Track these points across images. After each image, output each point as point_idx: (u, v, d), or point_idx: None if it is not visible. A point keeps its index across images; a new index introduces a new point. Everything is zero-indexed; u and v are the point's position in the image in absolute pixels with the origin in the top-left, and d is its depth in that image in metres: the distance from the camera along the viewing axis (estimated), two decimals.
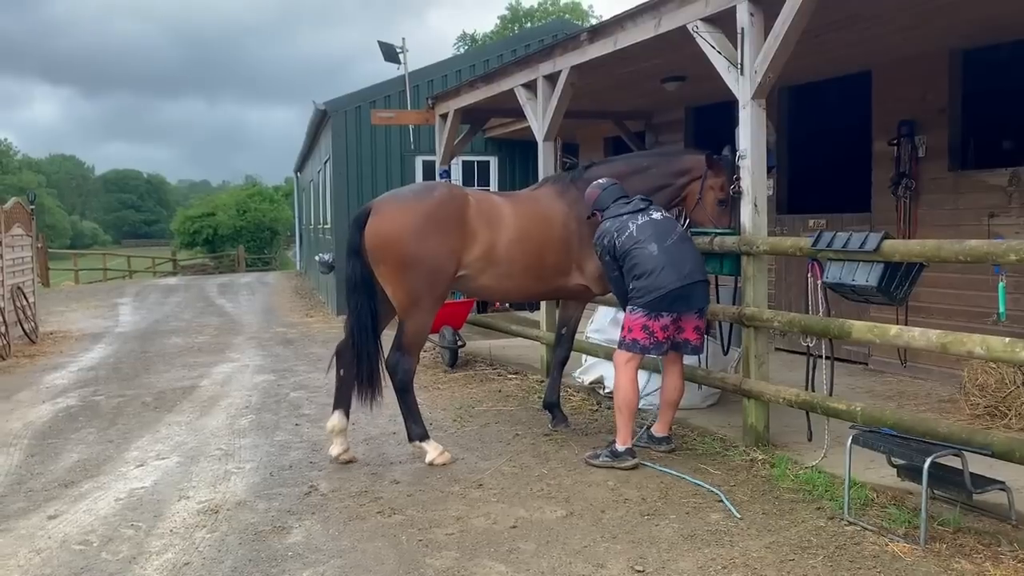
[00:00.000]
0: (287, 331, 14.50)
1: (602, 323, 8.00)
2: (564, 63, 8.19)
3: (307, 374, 10.09)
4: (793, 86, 10.26)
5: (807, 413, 5.94)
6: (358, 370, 6.22)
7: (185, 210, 53.16)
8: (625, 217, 5.89)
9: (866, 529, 4.58)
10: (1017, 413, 6.38)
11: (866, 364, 9.05)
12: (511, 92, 9.45)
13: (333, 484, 5.85)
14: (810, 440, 6.02)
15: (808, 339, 5.76)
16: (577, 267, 6.61)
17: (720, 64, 6.19)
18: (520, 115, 11.82)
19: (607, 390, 7.84)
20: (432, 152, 15.73)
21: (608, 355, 7.63)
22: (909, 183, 8.50)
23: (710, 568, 4.23)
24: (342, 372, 6.39)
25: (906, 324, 6.94)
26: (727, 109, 11.28)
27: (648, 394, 7.23)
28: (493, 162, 16.34)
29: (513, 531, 4.86)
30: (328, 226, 17.24)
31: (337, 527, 5.03)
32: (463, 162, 16.03)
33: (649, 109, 12.40)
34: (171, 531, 5.06)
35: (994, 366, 6.68)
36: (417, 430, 6.24)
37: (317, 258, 16.12)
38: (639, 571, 4.24)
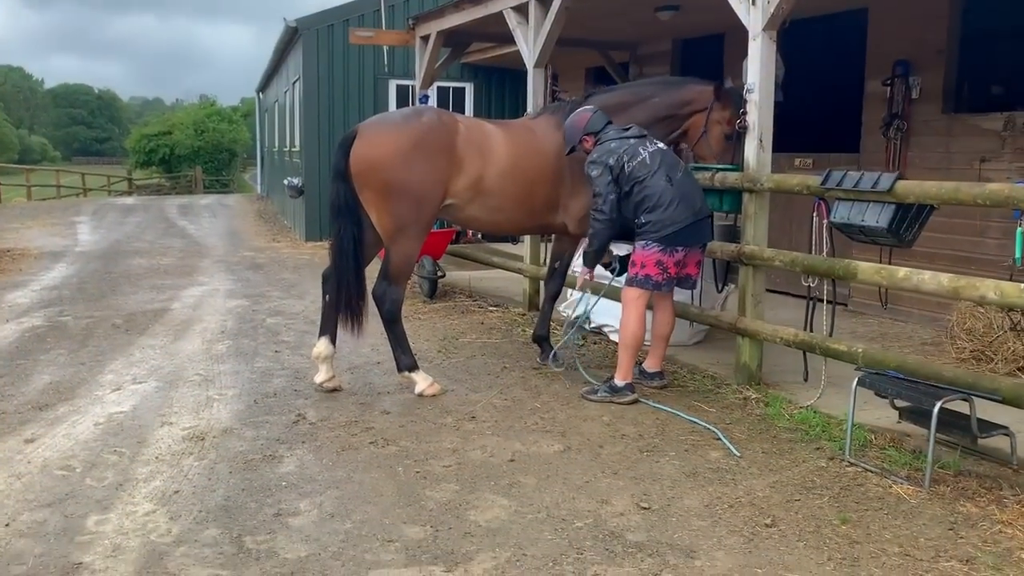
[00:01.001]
0: (255, 256, 14.19)
1: None
2: None
3: (281, 300, 9.88)
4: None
5: (804, 353, 5.91)
6: (338, 296, 6.06)
7: (141, 128, 51.47)
8: (633, 141, 5.70)
9: (868, 470, 4.58)
10: (1003, 358, 6.42)
11: (845, 305, 9.05)
12: (499, 15, 9.12)
13: (321, 413, 5.72)
14: (806, 380, 6.01)
15: (811, 279, 5.69)
16: (563, 205, 6.43)
17: None
18: (505, 40, 11.51)
19: (592, 325, 7.76)
20: (407, 76, 15.39)
21: (593, 290, 7.54)
22: (901, 125, 8.42)
23: (716, 507, 4.20)
24: (327, 297, 6.22)
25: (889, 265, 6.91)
26: (717, 42, 11.10)
27: None
28: (469, 89, 15.95)
29: (512, 464, 4.79)
30: (297, 150, 16.79)
31: (330, 457, 4.91)
32: (438, 88, 15.53)
33: (635, 40, 12.11)
34: (156, 458, 4.91)
35: (982, 311, 6.70)
36: (406, 360, 6.11)
37: (286, 182, 15.72)
38: (644, 507, 4.19)
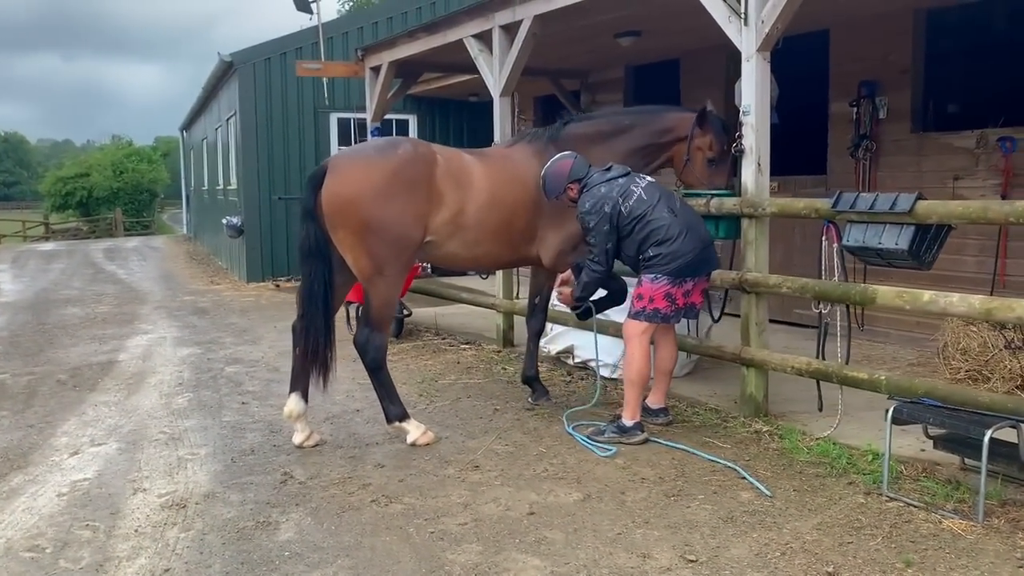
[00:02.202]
0: (196, 299, 13.54)
1: None
2: (527, 11, 7.66)
3: (236, 347, 9.34)
4: None
5: (817, 383, 5.71)
6: (305, 344, 5.63)
7: (56, 171, 49.58)
8: (622, 181, 5.46)
9: (911, 505, 4.36)
10: (1001, 376, 6.33)
11: (817, 327, 8.95)
12: (459, 44, 8.86)
13: (309, 470, 5.28)
14: (820, 410, 5.80)
15: (823, 306, 5.50)
16: (541, 237, 6.15)
17: (719, 13, 5.82)
18: (460, 70, 11.26)
19: (578, 359, 7.48)
20: (349, 109, 15.01)
21: (578, 324, 7.26)
22: (870, 145, 8.40)
23: (767, 555, 3.91)
24: (297, 350, 5.78)
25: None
26: (671, 67, 11.04)
27: (619, 361, 6.90)
28: (412, 121, 15.62)
29: (533, 518, 4.44)
30: (234, 187, 16.19)
31: (331, 520, 4.49)
32: (381, 120, 15.20)
33: (586, 67, 11.97)
34: (136, 531, 4.42)
35: (975, 330, 6.62)
36: (395, 410, 5.71)
37: (224, 222, 15.11)
38: (691, 560, 3.88)
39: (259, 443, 5.88)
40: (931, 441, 4.64)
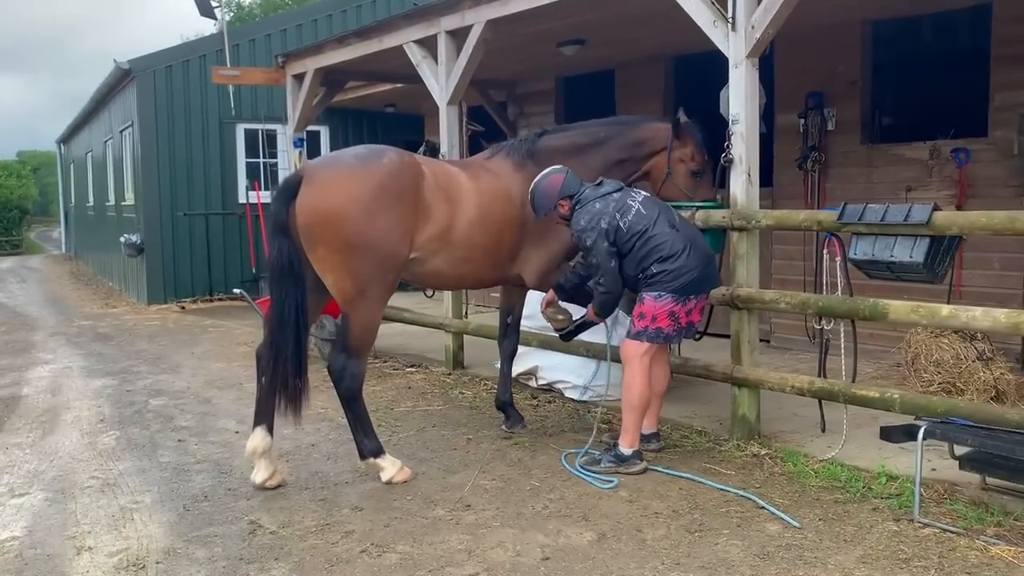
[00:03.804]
0: (95, 324, 12.52)
1: (537, 310, 7.19)
2: (478, 16, 7.26)
3: (155, 376, 8.56)
4: (680, 55, 9.90)
5: (820, 403, 5.50)
6: (273, 373, 5.08)
7: None
8: (618, 196, 5.13)
9: (947, 531, 4.15)
10: (975, 388, 6.28)
11: (768, 341, 8.86)
12: (397, 50, 8.37)
13: (278, 517, 4.71)
14: (823, 431, 5.59)
15: (826, 322, 5.28)
16: (524, 255, 5.79)
17: (702, 18, 5.56)
18: (392, 78, 10.78)
19: (542, 381, 7.09)
20: (257, 119, 14.30)
21: (543, 343, 6.90)
22: (819, 157, 8.35)
23: None
24: (263, 380, 5.22)
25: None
26: (604, 79, 10.83)
27: (599, 384, 6.58)
28: (324, 132, 14.93)
29: (550, 564, 4.02)
30: (131, 203, 15.13)
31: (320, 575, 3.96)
32: (304, 131, 14.43)
33: (514, 78, 11.65)
34: None
35: (947, 342, 6.57)
36: (370, 445, 5.19)
37: (123, 239, 14.06)
38: None
39: (210, 487, 5.26)
40: (950, 461, 4.47)
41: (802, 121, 8.43)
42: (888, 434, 5.41)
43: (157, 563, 4.18)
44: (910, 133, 7.94)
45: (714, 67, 9.87)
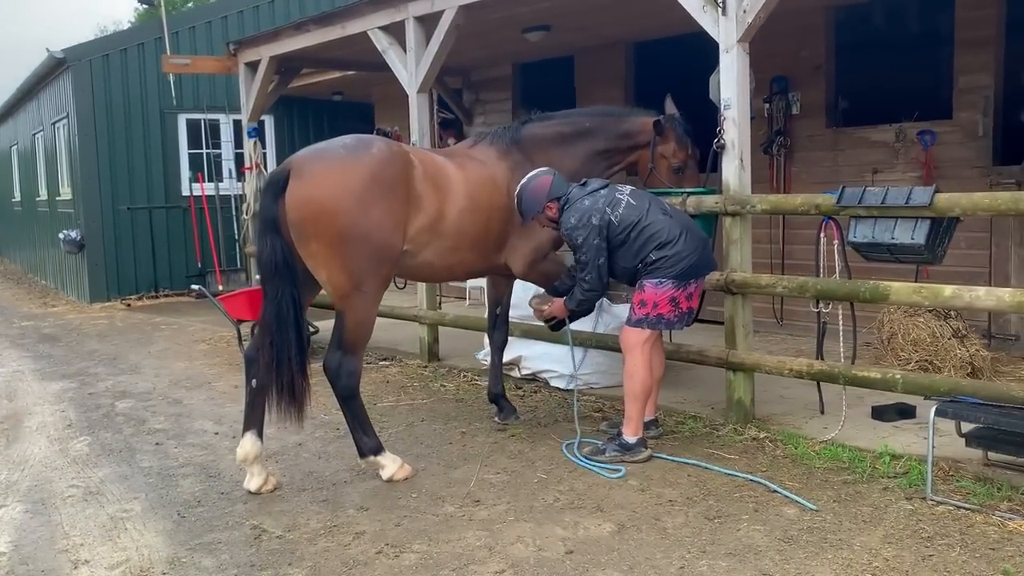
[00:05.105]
0: (37, 324, 12.01)
1: (520, 299, 7.12)
2: (449, 1, 7.12)
3: (115, 377, 8.24)
4: (641, 41, 9.90)
5: (818, 385, 5.55)
6: (277, 375, 4.91)
7: None
8: (605, 192, 5.09)
9: (962, 508, 4.22)
10: (952, 365, 6.43)
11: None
12: (360, 36, 8.18)
13: (281, 521, 4.57)
14: (822, 413, 5.64)
15: (824, 305, 5.32)
16: (512, 245, 5.71)
17: (692, 3, 5.55)
18: (351, 66, 10.57)
19: (526, 371, 7.03)
20: (199, 109, 13.90)
21: (525, 333, 6.84)
22: (784, 141, 8.44)
23: None
24: (254, 383, 5.04)
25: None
26: (563, 65, 10.77)
27: (587, 373, 6.55)
28: (269, 121, 14.51)
29: (574, 558, 3.97)
30: (67, 198, 14.55)
31: None
32: (234, 121, 14.03)
33: (470, 64, 11.50)
34: None
35: (923, 320, 6.71)
36: (370, 443, 5.07)
37: (62, 236, 13.50)
38: None
39: (202, 492, 5.08)
40: (947, 439, 4.58)
41: (767, 106, 8.51)
42: (880, 413, 5.55)
43: (164, 574, 4.02)
44: (875, 116, 8.06)
45: (676, 52, 9.95)
